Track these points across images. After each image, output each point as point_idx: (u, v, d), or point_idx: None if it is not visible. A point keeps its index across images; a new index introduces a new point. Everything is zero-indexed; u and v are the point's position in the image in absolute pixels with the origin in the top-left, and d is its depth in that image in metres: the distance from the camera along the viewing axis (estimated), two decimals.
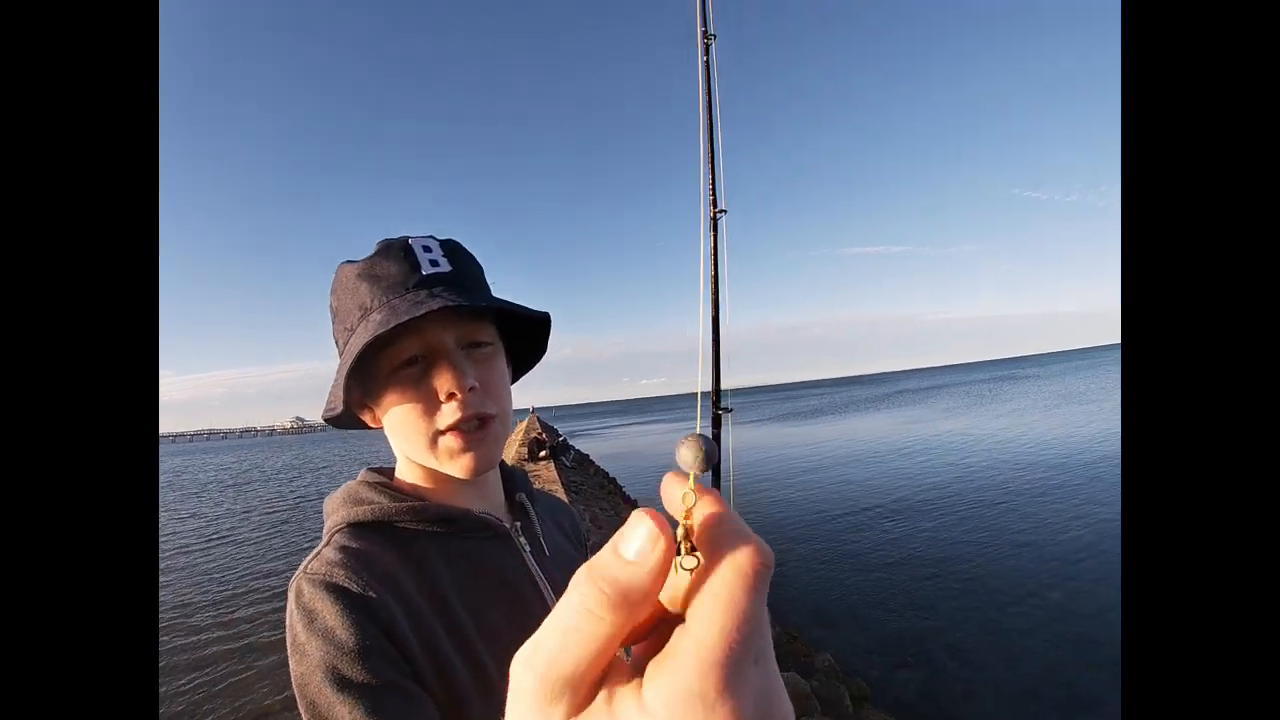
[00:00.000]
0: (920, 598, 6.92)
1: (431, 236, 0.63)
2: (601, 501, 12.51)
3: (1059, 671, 5.06)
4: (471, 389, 0.59)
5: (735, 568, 0.17)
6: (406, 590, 0.56)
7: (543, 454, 14.34)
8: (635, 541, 0.18)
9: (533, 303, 0.64)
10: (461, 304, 0.56)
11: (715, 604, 0.17)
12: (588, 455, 24.09)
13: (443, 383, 0.58)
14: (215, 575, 9.51)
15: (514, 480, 0.74)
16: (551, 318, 0.67)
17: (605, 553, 0.18)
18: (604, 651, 0.18)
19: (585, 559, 0.31)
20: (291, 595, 0.54)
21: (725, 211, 2.43)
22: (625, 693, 0.18)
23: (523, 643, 0.22)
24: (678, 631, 0.18)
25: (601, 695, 0.18)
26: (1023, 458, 14.78)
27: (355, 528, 0.59)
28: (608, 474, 19.00)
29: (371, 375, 0.61)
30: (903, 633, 6.14)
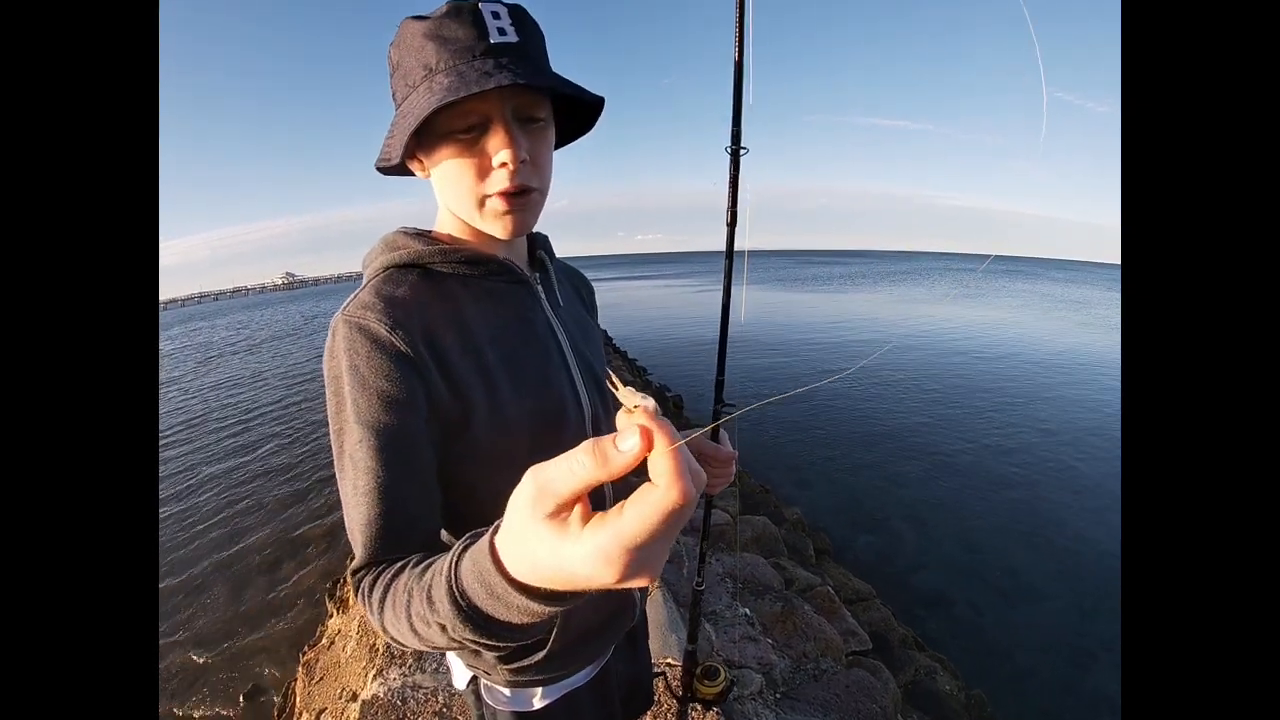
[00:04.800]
0: (891, 472, 7.25)
1: (500, 1, 0.63)
2: None
3: (1009, 558, 5.37)
4: (523, 161, 0.63)
5: (664, 498, 0.28)
6: (435, 325, 0.64)
7: None
8: (628, 442, 0.29)
9: None
10: (527, 81, 0.58)
11: (640, 513, 0.29)
12: None
13: (498, 151, 0.62)
14: None
15: (537, 241, 0.83)
16: (605, 101, 0.70)
17: (607, 441, 0.30)
18: (582, 490, 0.30)
19: (595, 321, 0.94)
20: (330, 333, 0.62)
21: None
22: (575, 524, 0.31)
23: (537, 368, 0.69)
24: (614, 510, 0.30)
25: (565, 517, 0.32)
26: (1022, 355, 14.85)
27: (391, 271, 0.67)
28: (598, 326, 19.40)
29: (428, 131, 0.63)
30: (870, 502, 6.53)
